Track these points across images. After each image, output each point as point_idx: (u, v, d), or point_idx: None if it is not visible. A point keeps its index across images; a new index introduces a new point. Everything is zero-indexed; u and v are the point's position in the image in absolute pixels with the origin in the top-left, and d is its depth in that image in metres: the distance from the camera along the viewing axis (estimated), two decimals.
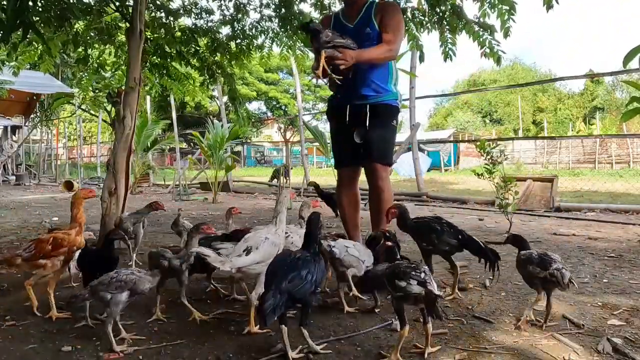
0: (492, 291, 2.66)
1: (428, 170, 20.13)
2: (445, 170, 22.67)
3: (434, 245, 2.51)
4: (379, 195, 3.14)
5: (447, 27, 4.43)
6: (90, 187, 13.36)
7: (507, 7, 3.87)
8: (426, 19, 4.57)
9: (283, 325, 1.82)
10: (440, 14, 4.41)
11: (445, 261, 2.63)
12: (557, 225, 5.31)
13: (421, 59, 5.01)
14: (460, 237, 2.49)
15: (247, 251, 2.05)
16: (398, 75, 3.29)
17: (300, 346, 1.89)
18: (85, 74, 5.84)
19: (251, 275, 2.09)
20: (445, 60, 4.55)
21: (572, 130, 30.90)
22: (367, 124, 3.06)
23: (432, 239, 2.50)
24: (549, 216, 6.02)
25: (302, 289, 1.79)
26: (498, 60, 4.32)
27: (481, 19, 4.14)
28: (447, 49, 4.52)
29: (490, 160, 4.63)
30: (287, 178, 7.92)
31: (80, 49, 5.02)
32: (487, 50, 4.28)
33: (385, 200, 3.13)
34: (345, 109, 3.15)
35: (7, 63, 5.36)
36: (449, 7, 4.34)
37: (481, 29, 4.25)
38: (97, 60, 5.67)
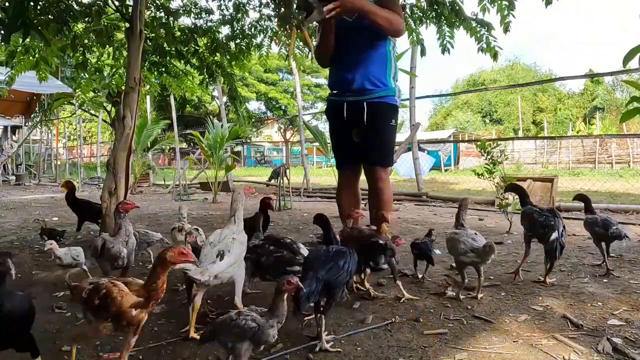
0: (492, 291, 2.66)
1: (429, 170, 20.12)
2: (446, 170, 22.67)
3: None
4: (379, 196, 3.13)
5: (445, 22, 4.45)
6: (90, 187, 13.37)
7: (507, 3, 3.88)
8: (425, 15, 4.58)
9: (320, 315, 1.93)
10: (439, 11, 4.42)
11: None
12: None
13: (422, 52, 5.00)
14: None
15: (221, 256, 1.99)
16: (397, 70, 3.23)
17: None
18: (84, 76, 5.85)
19: (225, 279, 2.03)
20: (443, 53, 4.55)
21: (572, 130, 30.92)
22: (365, 122, 3.01)
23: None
24: None
25: (339, 278, 1.91)
26: (495, 56, 4.32)
27: (481, 13, 4.15)
28: (444, 42, 4.52)
29: (490, 160, 4.63)
30: (287, 178, 7.91)
31: (78, 53, 5.03)
32: (484, 46, 4.28)
33: (385, 202, 3.12)
34: (342, 107, 3.10)
35: (6, 67, 5.38)
36: (448, 4, 4.35)
37: (479, 25, 4.26)
38: (96, 64, 5.68)
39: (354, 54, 3.04)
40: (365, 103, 3.01)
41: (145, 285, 1.56)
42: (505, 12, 3.92)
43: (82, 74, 5.76)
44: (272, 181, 8.36)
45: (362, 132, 3.06)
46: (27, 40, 4.39)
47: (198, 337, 1.88)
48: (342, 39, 3.09)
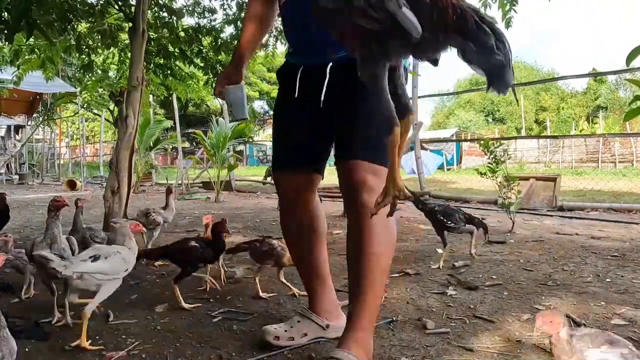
0: (494, 290, 2.66)
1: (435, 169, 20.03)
2: (448, 169, 22.65)
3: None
4: (361, 230, 1.65)
5: None
6: (93, 186, 13.41)
7: None
8: None
9: None
10: None
11: None
12: (560, 224, 5.30)
13: None
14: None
15: (95, 258, 1.94)
16: None
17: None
18: (90, 78, 5.89)
19: (91, 285, 1.94)
20: None
21: (575, 129, 30.80)
22: (324, 95, 1.72)
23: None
24: (551, 215, 6.01)
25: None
26: None
27: (482, 9, 4.14)
28: None
29: (493, 160, 4.63)
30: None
31: (84, 55, 5.04)
32: None
33: (374, 248, 1.66)
34: (295, 74, 1.81)
35: (11, 66, 5.41)
36: None
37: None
38: (102, 66, 5.70)
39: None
40: (328, 67, 1.72)
41: None
42: (507, 7, 3.91)
43: (88, 76, 5.78)
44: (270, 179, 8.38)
45: (333, 104, 1.73)
46: (32, 40, 4.40)
47: (90, 347, 1.87)
48: None
